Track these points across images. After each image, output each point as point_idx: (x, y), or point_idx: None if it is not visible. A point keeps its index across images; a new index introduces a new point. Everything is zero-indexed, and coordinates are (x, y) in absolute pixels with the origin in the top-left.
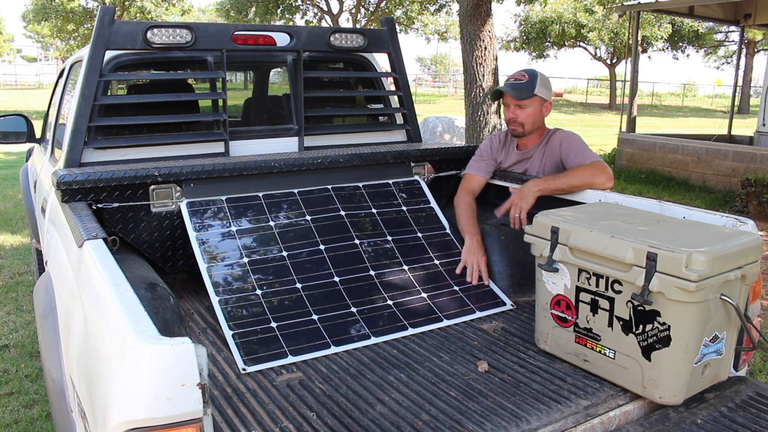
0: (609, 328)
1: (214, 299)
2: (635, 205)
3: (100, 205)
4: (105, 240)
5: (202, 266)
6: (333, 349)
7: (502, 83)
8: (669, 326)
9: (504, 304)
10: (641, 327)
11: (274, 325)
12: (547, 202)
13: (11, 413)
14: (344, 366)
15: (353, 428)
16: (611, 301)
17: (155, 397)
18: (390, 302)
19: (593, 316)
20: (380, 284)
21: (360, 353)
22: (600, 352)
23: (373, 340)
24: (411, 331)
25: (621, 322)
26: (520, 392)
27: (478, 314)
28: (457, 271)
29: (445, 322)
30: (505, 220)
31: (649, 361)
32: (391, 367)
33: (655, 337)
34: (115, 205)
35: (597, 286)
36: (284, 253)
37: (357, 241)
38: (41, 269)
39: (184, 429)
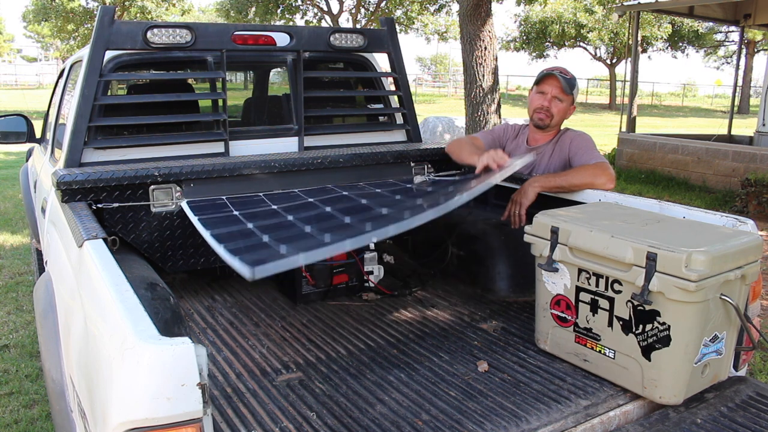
0: (609, 328)
1: (206, 233)
2: (635, 204)
3: (100, 205)
4: (105, 240)
5: (198, 225)
6: (333, 247)
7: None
8: (669, 326)
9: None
10: (641, 327)
11: (266, 239)
12: (547, 202)
13: (11, 413)
14: (344, 366)
15: (353, 428)
16: (611, 300)
17: (155, 397)
18: (383, 210)
19: (593, 315)
20: (372, 204)
21: (360, 353)
22: (600, 351)
23: (372, 234)
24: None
25: (621, 322)
26: (520, 392)
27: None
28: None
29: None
30: (505, 221)
31: (649, 360)
32: (391, 367)
33: (654, 337)
34: (115, 205)
35: (597, 286)
36: (278, 206)
37: (353, 196)
38: (41, 269)
39: (184, 429)
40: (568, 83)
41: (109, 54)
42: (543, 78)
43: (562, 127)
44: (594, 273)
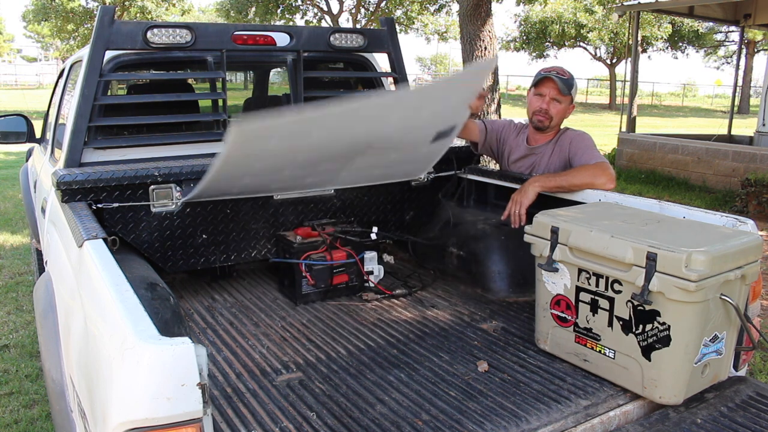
0: (609, 328)
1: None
2: (635, 204)
3: (100, 205)
4: (105, 240)
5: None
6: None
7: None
8: (669, 326)
9: None
10: (641, 327)
11: None
12: (547, 202)
13: (11, 413)
14: (344, 366)
15: (353, 428)
16: (611, 300)
17: (155, 397)
18: None
19: (593, 315)
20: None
21: (360, 353)
22: (600, 351)
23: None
24: None
25: (621, 322)
26: (520, 392)
27: None
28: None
29: None
30: (505, 220)
31: (649, 360)
32: (391, 367)
33: (655, 337)
34: (115, 205)
35: (597, 286)
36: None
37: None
38: (41, 269)
39: (184, 429)
40: (565, 84)
41: (109, 54)
42: (540, 80)
43: (562, 127)
44: (594, 273)
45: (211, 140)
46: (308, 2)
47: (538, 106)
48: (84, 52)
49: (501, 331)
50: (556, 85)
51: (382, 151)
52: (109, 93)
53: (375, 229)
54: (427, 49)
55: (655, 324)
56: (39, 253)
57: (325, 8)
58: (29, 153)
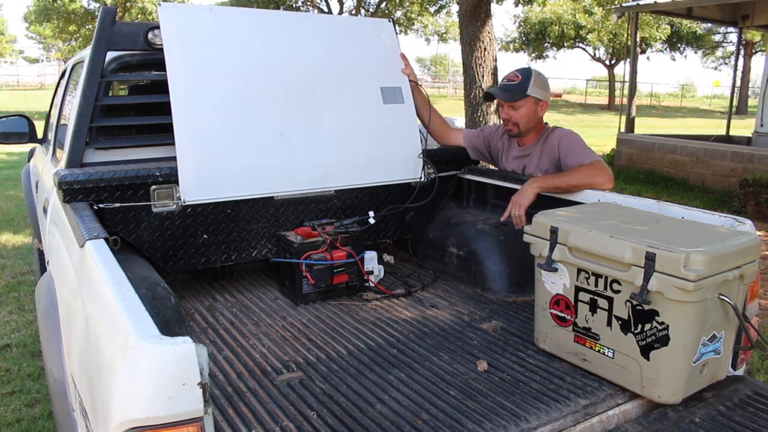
0: (608, 328)
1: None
2: (634, 205)
3: (101, 205)
4: (106, 240)
5: None
6: None
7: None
8: (668, 326)
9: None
10: (640, 326)
11: None
12: (546, 202)
13: (13, 412)
14: (344, 365)
15: (353, 427)
16: (610, 300)
17: (156, 397)
18: None
19: (592, 315)
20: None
21: (360, 353)
22: (599, 351)
23: None
24: None
25: (620, 322)
26: (519, 391)
27: None
28: None
29: None
30: (505, 221)
31: (648, 360)
32: (391, 367)
33: (653, 337)
34: (117, 205)
35: (596, 285)
36: None
37: None
38: (43, 269)
39: (185, 428)
40: (514, 90)
41: (110, 55)
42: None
43: (550, 125)
44: (593, 273)
45: None
46: (308, 3)
47: (502, 117)
48: (85, 53)
49: (501, 330)
50: (500, 98)
51: (331, 81)
52: (110, 93)
53: (371, 213)
54: (427, 50)
55: (654, 323)
56: (41, 253)
57: (325, 9)
58: (31, 153)
